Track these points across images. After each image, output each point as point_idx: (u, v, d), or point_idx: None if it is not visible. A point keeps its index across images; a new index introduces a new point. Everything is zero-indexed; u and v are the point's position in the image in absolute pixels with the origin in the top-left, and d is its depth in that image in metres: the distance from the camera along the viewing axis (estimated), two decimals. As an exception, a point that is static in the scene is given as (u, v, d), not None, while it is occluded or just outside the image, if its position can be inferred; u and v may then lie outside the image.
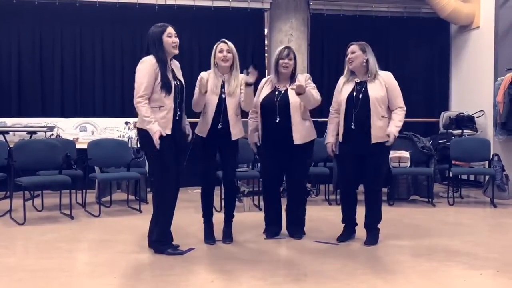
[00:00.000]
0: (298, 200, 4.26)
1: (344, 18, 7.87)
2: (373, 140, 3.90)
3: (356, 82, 4.00)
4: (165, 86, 3.59)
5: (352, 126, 3.94)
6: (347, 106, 3.97)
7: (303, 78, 4.17)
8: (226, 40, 3.98)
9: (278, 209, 4.31)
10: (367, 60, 3.97)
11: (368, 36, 7.67)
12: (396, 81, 4.03)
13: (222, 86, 3.96)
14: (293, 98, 4.03)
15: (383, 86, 3.94)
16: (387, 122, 3.95)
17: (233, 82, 3.96)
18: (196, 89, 3.89)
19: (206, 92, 3.84)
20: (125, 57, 7.30)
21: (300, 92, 3.89)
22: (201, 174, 4.08)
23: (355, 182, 4.11)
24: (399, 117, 3.95)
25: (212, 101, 3.92)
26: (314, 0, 7.74)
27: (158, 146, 3.51)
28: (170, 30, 3.69)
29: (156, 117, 3.58)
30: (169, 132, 3.62)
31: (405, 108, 4.00)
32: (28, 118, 6.80)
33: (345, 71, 4.08)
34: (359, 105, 3.92)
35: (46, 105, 7.13)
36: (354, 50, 3.98)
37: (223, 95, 3.93)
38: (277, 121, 4.03)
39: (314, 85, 4.16)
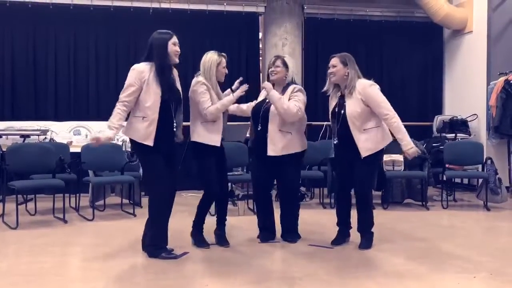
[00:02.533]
0: (291, 206, 4.25)
1: (338, 22, 7.89)
2: (363, 154, 3.85)
3: (339, 96, 4.00)
4: (166, 93, 3.58)
5: (335, 141, 3.99)
6: (332, 121, 4.04)
7: (291, 89, 4.03)
8: (225, 55, 4.01)
9: (270, 214, 4.30)
10: (348, 74, 3.89)
11: (362, 40, 7.78)
12: (375, 90, 3.86)
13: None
14: (273, 107, 3.99)
15: (359, 100, 3.83)
16: (374, 133, 3.87)
17: (221, 94, 4.03)
18: (218, 104, 3.84)
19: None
20: (119, 60, 7.28)
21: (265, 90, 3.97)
22: (210, 183, 3.93)
23: (349, 185, 4.12)
24: (397, 130, 3.81)
25: (229, 97, 3.96)
26: (308, 4, 7.76)
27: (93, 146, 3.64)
28: (175, 39, 3.71)
29: (138, 127, 3.60)
30: (150, 143, 3.59)
31: (394, 113, 3.84)
32: (21, 122, 6.77)
33: (327, 84, 4.03)
34: (340, 121, 3.93)
35: (39, 109, 7.10)
36: (335, 64, 3.92)
37: None
38: (258, 129, 4.05)
39: (300, 98, 3.99)
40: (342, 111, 3.90)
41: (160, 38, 3.68)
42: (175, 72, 3.83)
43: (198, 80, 3.89)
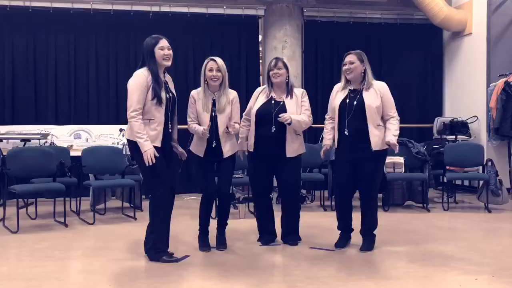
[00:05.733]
0: (292, 208, 4.25)
1: (338, 25, 7.90)
2: (374, 148, 3.90)
3: (349, 90, 4.02)
4: (157, 99, 3.61)
5: (346, 133, 3.95)
6: (340, 113, 3.99)
7: (300, 93, 4.17)
8: (215, 58, 3.98)
9: (270, 216, 4.30)
10: (365, 70, 3.99)
11: (361, 43, 7.74)
12: (389, 92, 4.04)
13: (213, 104, 3.97)
14: (290, 111, 4.04)
15: (378, 95, 3.96)
16: (383, 131, 3.97)
17: (223, 99, 3.98)
18: (196, 127, 3.94)
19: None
20: (119, 64, 7.29)
21: (288, 123, 3.96)
22: (201, 188, 4.10)
23: (350, 189, 4.11)
24: (395, 127, 3.97)
25: (205, 120, 3.94)
26: (308, 7, 7.78)
27: (149, 163, 3.55)
28: (163, 43, 3.69)
29: (146, 130, 3.60)
30: (158, 144, 3.65)
31: (398, 118, 4.02)
32: (21, 126, 6.76)
33: (342, 80, 4.07)
34: (352, 112, 3.93)
35: (40, 112, 7.10)
36: (353, 61, 3.97)
37: (213, 113, 3.95)
38: (272, 131, 4.03)
39: (308, 104, 4.17)
40: (355, 102, 3.93)
41: (147, 44, 3.70)
42: (168, 77, 3.84)
43: (192, 91, 4.09)
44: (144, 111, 3.63)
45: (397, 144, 3.92)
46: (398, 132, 3.98)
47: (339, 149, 4.04)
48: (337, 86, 4.13)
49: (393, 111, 4.00)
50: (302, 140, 4.18)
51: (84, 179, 5.65)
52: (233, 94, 4.07)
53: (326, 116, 4.21)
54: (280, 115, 3.96)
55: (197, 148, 4.02)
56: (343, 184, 4.11)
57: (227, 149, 4.02)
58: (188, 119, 4.04)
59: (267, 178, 4.23)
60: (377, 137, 3.92)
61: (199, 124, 3.97)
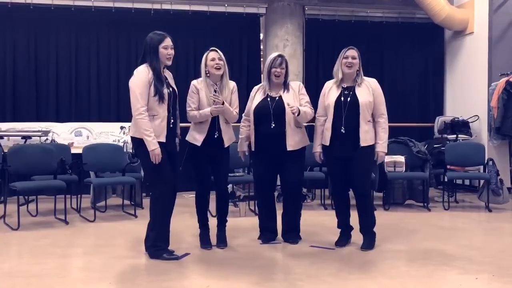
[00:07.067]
0: (294, 205, 4.26)
1: (340, 23, 7.89)
2: (362, 144, 3.93)
3: (343, 87, 4.03)
4: (159, 95, 3.61)
5: (342, 130, 3.95)
6: (335, 111, 3.99)
7: (296, 87, 4.18)
8: (216, 49, 4.01)
9: (272, 214, 4.30)
10: (360, 67, 4.04)
11: (363, 41, 7.77)
12: (380, 88, 4.08)
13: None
14: (288, 104, 4.04)
15: (370, 91, 3.99)
16: (371, 127, 4.00)
17: (225, 90, 3.99)
18: (200, 112, 3.92)
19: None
20: (120, 61, 7.29)
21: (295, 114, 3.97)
22: (196, 181, 4.10)
23: (345, 185, 4.12)
24: (384, 131, 4.01)
25: (207, 110, 3.94)
26: (309, 5, 7.77)
27: (156, 162, 3.56)
28: (167, 42, 3.70)
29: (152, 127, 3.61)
30: (163, 140, 3.65)
31: (387, 116, 4.06)
32: (22, 123, 6.76)
33: (339, 75, 4.03)
34: (347, 110, 3.95)
35: (41, 110, 7.10)
36: (355, 56, 4.01)
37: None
38: (271, 127, 4.03)
39: (307, 97, 4.18)
40: (349, 99, 3.95)
41: (151, 40, 3.69)
42: (168, 73, 3.84)
43: (193, 81, 4.06)
44: (147, 108, 3.63)
45: (383, 154, 4.03)
46: (387, 136, 4.04)
47: (332, 147, 4.02)
48: (329, 83, 4.13)
49: (383, 108, 4.03)
50: (304, 133, 4.17)
51: (84, 177, 5.66)
52: (232, 83, 4.09)
53: (316, 115, 4.17)
54: (290, 106, 3.96)
55: (194, 136, 3.99)
56: (338, 181, 4.12)
57: (227, 139, 4.03)
58: (188, 108, 3.99)
59: (271, 176, 4.24)
60: (365, 133, 3.94)
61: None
